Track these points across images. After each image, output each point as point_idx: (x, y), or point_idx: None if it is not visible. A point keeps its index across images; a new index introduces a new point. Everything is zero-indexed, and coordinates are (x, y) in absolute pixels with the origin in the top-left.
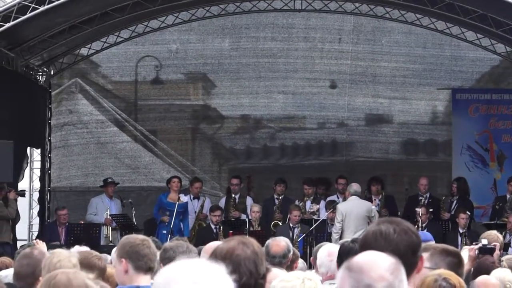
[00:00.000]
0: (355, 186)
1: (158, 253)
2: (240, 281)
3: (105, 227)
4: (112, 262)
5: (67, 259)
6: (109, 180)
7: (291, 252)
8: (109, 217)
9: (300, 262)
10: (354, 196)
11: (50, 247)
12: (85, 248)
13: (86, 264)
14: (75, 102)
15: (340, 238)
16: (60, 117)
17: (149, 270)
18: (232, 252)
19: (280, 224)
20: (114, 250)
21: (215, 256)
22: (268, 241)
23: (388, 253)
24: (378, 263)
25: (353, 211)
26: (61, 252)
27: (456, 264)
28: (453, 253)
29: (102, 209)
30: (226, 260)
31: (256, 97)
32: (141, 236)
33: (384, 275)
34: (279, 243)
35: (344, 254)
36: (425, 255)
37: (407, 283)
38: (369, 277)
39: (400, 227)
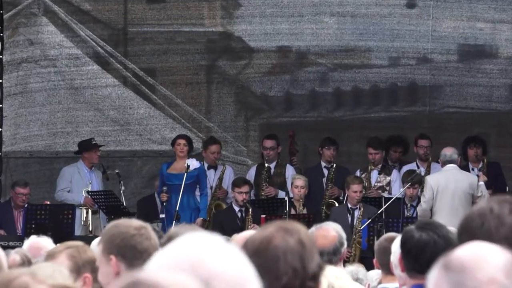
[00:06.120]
0: (450, 151)
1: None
2: (279, 282)
3: (84, 210)
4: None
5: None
6: (94, 141)
7: (345, 246)
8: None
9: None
10: (451, 165)
11: (0, 239)
12: (46, 240)
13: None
14: (38, 29)
15: None
16: (16, 51)
17: None
18: (269, 242)
19: (337, 204)
20: (95, 242)
21: (246, 249)
22: (311, 229)
23: (500, 240)
24: (487, 260)
25: (449, 186)
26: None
27: None
28: None
29: (80, 183)
30: (260, 254)
31: (299, 22)
32: (136, 222)
33: (496, 277)
34: (327, 233)
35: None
36: None
37: None
38: (475, 279)
39: None
